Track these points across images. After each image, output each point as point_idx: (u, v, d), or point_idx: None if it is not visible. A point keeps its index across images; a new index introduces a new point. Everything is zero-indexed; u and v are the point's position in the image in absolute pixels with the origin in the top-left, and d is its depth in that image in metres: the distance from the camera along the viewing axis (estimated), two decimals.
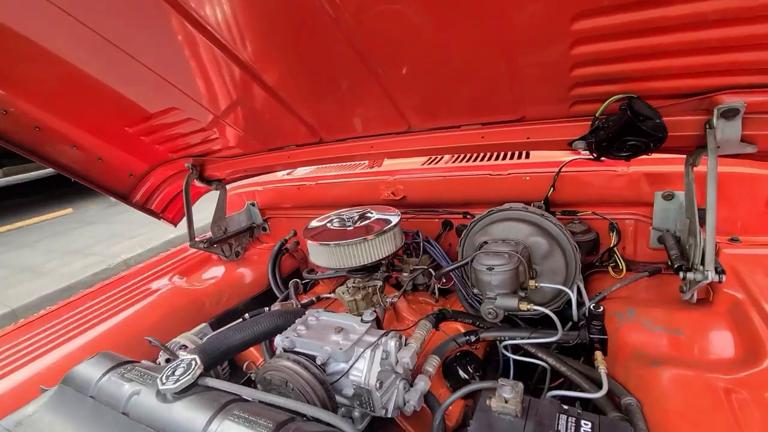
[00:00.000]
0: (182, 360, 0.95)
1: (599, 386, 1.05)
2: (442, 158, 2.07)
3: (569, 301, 1.32)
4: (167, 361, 1.49)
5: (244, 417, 0.79)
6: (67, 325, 1.73)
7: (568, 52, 1.04)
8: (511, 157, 1.97)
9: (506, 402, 0.74)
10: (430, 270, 1.75)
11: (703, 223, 1.11)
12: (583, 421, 0.71)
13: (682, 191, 1.42)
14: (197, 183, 2.21)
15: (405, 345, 1.03)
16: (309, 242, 1.51)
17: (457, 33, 1.07)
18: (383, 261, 1.47)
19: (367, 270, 1.55)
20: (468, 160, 1.97)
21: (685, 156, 1.27)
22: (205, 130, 1.84)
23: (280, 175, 2.53)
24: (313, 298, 1.67)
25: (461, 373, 1.17)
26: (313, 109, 1.57)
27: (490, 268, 1.11)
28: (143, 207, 2.31)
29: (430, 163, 2.02)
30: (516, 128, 1.38)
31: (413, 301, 1.78)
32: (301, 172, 2.56)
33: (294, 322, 1.20)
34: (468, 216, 1.84)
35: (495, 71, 1.17)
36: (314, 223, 1.67)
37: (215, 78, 1.40)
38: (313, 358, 1.00)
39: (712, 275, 1.03)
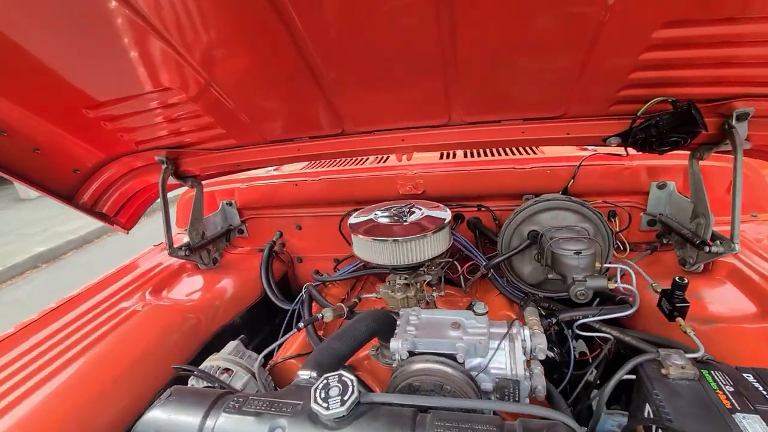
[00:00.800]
0: (325, 379, 0.81)
1: (652, 344, 1.22)
2: (455, 153, 2.11)
3: None
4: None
5: (452, 426, 0.72)
6: (26, 365, 1.31)
7: (638, 56, 1.17)
8: (498, 153, 2.11)
9: (683, 368, 0.82)
10: (455, 262, 1.79)
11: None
12: (744, 374, 0.83)
13: (673, 181, 1.71)
14: (171, 180, 1.86)
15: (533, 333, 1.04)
16: (360, 238, 1.41)
17: (547, 30, 1.12)
18: (439, 258, 1.46)
19: (414, 267, 1.51)
20: (471, 156, 2.06)
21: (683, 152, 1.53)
22: (195, 116, 1.57)
23: (263, 170, 2.28)
24: (355, 299, 1.56)
25: (548, 353, 1.23)
26: (350, 93, 1.44)
27: (578, 252, 1.19)
28: (91, 210, 1.86)
29: (445, 158, 2.05)
30: (557, 124, 1.49)
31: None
32: (289, 168, 2.34)
33: (387, 325, 1.12)
34: (482, 209, 1.92)
35: (566, 69, 1.25)
36: (356, 219, 1.56)
37: (228, 28, 1.09)
38: (451, 358, 0.95)
39: (738, 247, 1.27)
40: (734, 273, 1.44)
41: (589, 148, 1.91)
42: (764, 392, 0.76)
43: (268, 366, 1.40)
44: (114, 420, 1.25)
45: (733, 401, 0.76)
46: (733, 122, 1.28)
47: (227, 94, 1.41)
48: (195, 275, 2.00)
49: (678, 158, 1.72)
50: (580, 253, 1.19)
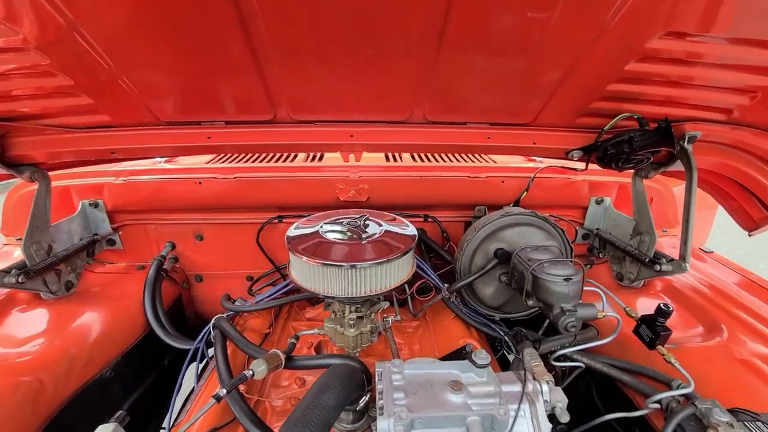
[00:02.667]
0: None
1: (627, 372, 1.17)
2: (402, 156, 1.86)
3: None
4: None
5: None
6: None
7: (623, 67, 1.09)
8: (446, 159, 1.95)
9: (732, 426, 0.71)
10: (404, 285, 1.55)
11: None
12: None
13: (609, 197, 1.75)
14: None
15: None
16: (305, 261, 1.06)
17: (548, 32, 0.96)
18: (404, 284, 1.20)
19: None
20: (421, 160, 1.84)
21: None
22: (42, 74, 1.04)
23: (149, 161, 1.71)
24: (291, 340, 1.18)
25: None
26: (294, 69, 1.08)
27: (568, 279, 1.05)
28: None
29: (391, 161, 1.78)
30: (524, 132, 1.37)
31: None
32: (187, 160, 1.80)
33: (356, 384, 0.82)
34: (429, 219, 1.73)
35: (551, 74, 1.12)
36: (296, 231, 1.19)
37: None
38: None
39: (688, 267, 1.30)
40: (669, 289, 1.50)
41: (537, 159, 1.87)
42: None
43: None
44: None
45: None
46: (685, 144, 1.30)
47: (104, 48, 0.93)
48: (33, 310, 1.37)
49: (611, 175, 1.78)
50: (570, 279, 1.06)
